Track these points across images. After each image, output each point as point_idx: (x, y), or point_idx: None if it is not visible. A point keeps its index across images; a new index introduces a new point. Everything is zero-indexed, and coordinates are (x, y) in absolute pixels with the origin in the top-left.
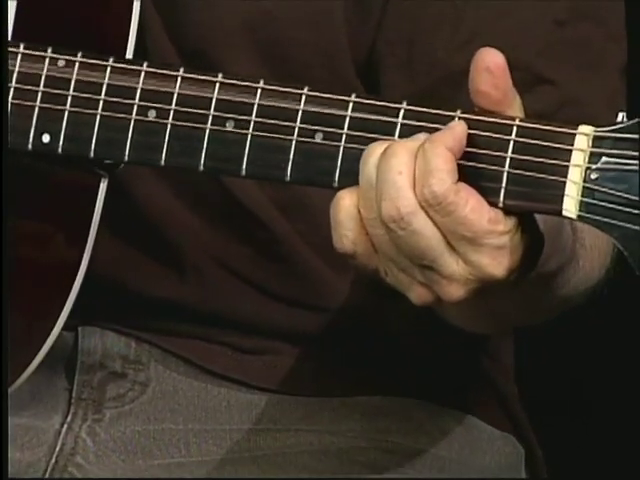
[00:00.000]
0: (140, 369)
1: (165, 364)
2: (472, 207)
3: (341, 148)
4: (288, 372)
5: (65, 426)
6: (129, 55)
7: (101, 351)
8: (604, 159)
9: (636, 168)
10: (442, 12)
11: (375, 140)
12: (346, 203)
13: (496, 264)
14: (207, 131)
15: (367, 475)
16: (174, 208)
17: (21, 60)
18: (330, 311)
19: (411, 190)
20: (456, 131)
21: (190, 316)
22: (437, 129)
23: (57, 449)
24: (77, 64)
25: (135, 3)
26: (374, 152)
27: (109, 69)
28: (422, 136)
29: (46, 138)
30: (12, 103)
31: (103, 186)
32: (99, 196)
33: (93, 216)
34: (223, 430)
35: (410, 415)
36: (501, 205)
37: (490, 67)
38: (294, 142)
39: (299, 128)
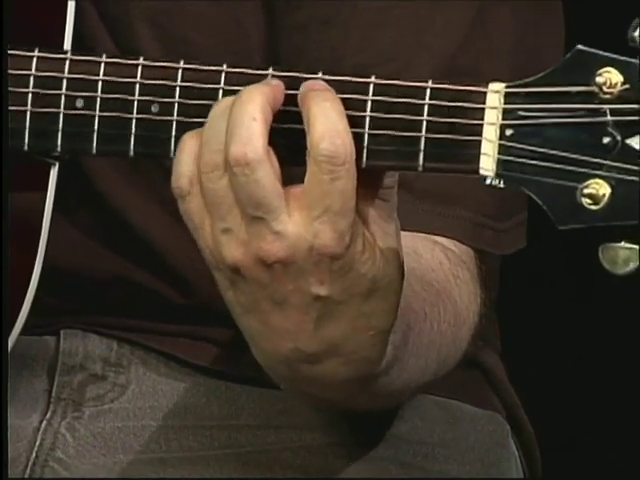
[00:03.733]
0: (121, 372)
1: (146, 366)
2: None
3: None
4: None
5: (44, 422)
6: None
7: (82, 353)
8: (518, 114)
9: (549, 121)
10: (321, 54)
11: None
12: (191, 144)
13: (335, 237)
14: (134, 116)
15: (353, 467)
16: (136, 200)
17: None
18: None
19: (262, 138)
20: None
21: (171, 308)
22: None
23: (37, 444)
24: None
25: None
26: (226, 101)
27: (35, 60)
28: (274, 81)
29: None
30: None
31: (53, 173)
32: (50, 184)
33: (45, 206)
34: (203, 426)
35: None
36: (421, 168)
37: None
38: None
39: None
